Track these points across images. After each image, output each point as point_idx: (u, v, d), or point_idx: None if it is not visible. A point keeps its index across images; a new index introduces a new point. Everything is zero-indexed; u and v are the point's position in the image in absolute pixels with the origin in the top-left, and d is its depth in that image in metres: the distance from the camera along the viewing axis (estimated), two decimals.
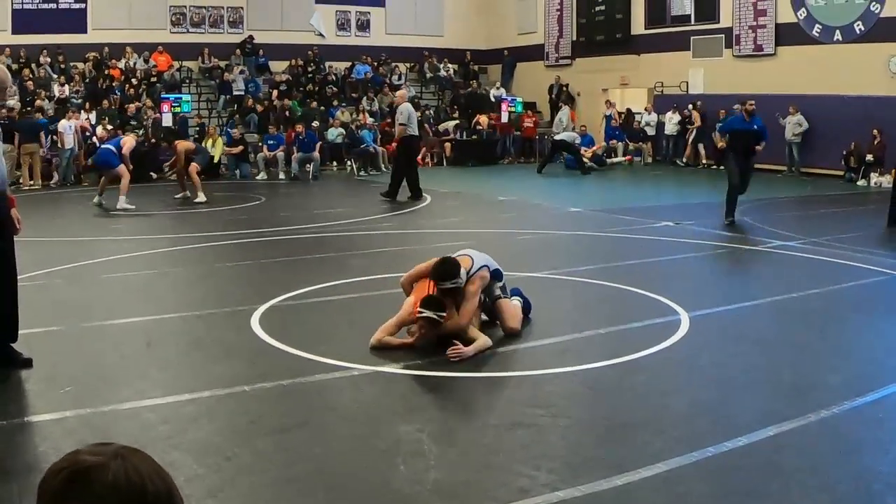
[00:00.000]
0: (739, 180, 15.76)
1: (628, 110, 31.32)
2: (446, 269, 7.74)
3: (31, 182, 22.72)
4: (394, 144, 19.40)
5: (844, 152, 23.75)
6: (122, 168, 18.06)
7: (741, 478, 5.06)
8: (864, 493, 4.90)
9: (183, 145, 20.37)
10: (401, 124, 19.57)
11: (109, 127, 25.01)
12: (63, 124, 23.39)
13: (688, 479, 5.04)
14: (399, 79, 33.77)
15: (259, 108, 28.89)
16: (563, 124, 29.89)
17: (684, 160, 28.97)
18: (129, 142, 18.92)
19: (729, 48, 27.89)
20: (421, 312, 7.41)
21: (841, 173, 23.97)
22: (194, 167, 19.42)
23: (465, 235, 14.64)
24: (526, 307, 8.67)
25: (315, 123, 27.53)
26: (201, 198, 18.89)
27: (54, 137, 23.68)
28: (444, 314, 7.50)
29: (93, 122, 25.63)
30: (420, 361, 7.28)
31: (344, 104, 30.76)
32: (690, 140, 28.95)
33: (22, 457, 5.31)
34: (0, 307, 7.11)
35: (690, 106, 29.01)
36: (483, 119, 30.54)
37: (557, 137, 27.83)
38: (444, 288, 7.69)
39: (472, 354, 7.39)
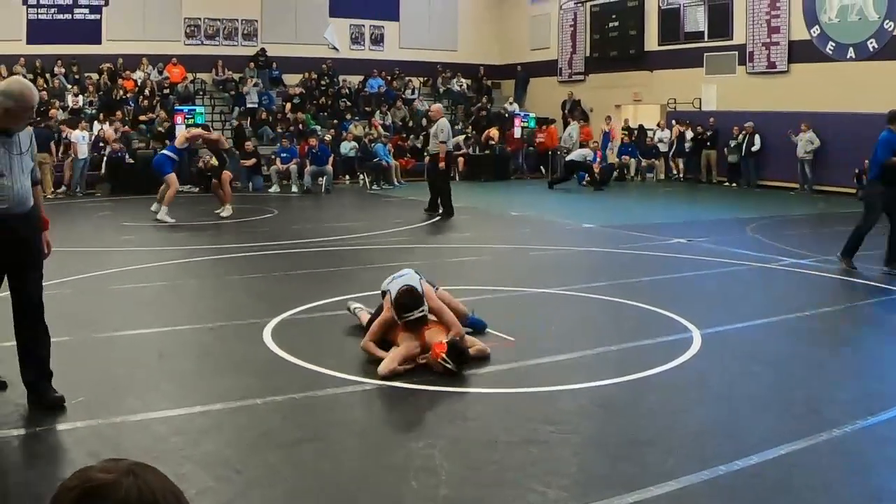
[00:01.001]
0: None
1: (640, 126, 31.32)
2: (411, 300, 7.71)
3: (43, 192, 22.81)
4: (441, 164, 19.16)
5: (857, 170, 23.70)
6: (171, 177, 17.98)
7: (752, 496, 5.05)
8: None
9: (214, 136, 20.09)
10: (441, 142, 19.40)
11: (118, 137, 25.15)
12: (76, 135, 23.48)
13: (699, 498, 5.04)
14: (412, 93, 33.89)
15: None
16: (572, 139, 29.89)
17: (676, 174, 29.49)
18: (181, 137, 18.96)
19: (742, 65, 27.89)
20: (446, 362, 7.35)
21: (853, 191, 23.91)
22: (227, 175, 19.26)
23: (478, 251, 14.66)
24: (479, 326, 8.80)
25: (327, 137, 27.56)
26: (228, 211, 18.69)
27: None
28: (463, 368, 7.47)
29: (106, 132, 25.73)
30: (431, 377, 7.27)
31: (357, 118, 30.83)
32: (672, 154, 29.81)
33: (33, 467, 5.32)
34: (35, 347, 6.58)
35: (674, 122, 29.59)
36: (493, 132, 30.45)
37: (569, 158, 27.67)
38: (411, 319, 7.65)
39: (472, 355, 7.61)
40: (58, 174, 23.75)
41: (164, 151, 18.74)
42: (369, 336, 7.83)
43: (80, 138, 23.44)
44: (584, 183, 27.18)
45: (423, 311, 7.69)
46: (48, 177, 23.14)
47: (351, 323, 9.04)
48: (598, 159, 28.41)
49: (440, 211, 19.24)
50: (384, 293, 8.29)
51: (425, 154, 21.98)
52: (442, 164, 19.22)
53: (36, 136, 20.90)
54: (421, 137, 30.34)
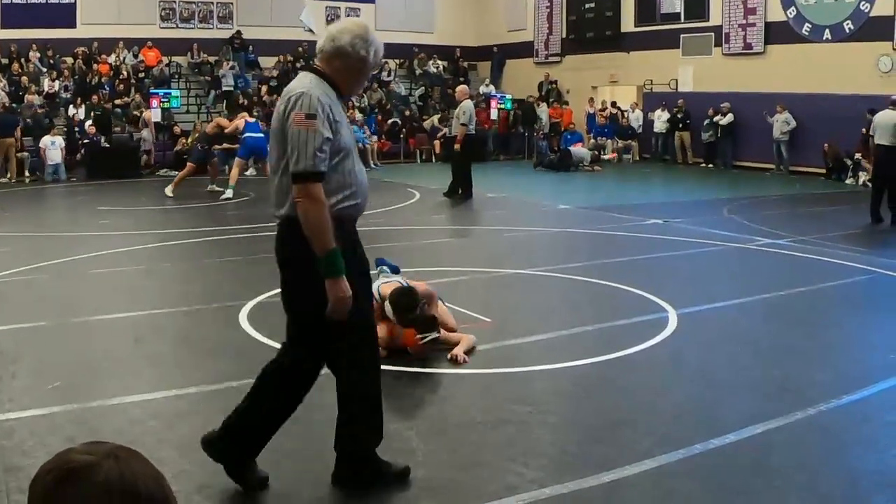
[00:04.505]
0: None
1: (618, 108, 31.31)
2: (411, 299, 7.44)
3: (10, 176, 22.59)
4: (457, 146, 19.21)
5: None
6: None
7: (728, 475, 5.08)
8: (851, 491, 4.92)
9: (219, 123, 20.71)
10: (462, 124, 19.32)
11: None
12: (46, 140, 23.10)
13: (675, 477, 5.06)
14: (389, 75, 33.79)
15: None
16: (541, 121, 29.98)
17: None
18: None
19: (718, 46, 27.92)
20: (423, 338, 7.31)
21: (825, 171, 24.05)
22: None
23: (453, 232, 14.67)
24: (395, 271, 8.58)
25: None
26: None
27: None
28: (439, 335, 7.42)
29: (81, 117, 25.57)
30: (407, 359, 7.28)
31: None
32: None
33: (9, 452, 5.30)
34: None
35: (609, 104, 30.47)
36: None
37: (573, 149, 27.73)
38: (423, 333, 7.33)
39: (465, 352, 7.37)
40: (34, 159, 23.59)
41: (260, 135, 19.68)
42: None
43: (49, 144, 23.08)
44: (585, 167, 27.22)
45: (422, 307, 7.44)
46: (13, 163, 22.88)
47: None
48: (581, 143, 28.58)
49: (460, 193, 19.22)
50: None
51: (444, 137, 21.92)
52: (457, 146, 19.21)
53: (1, 120, 21.00)
54: (399, 120, 30.34)
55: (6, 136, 22.68)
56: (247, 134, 19.68)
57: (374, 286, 7.97)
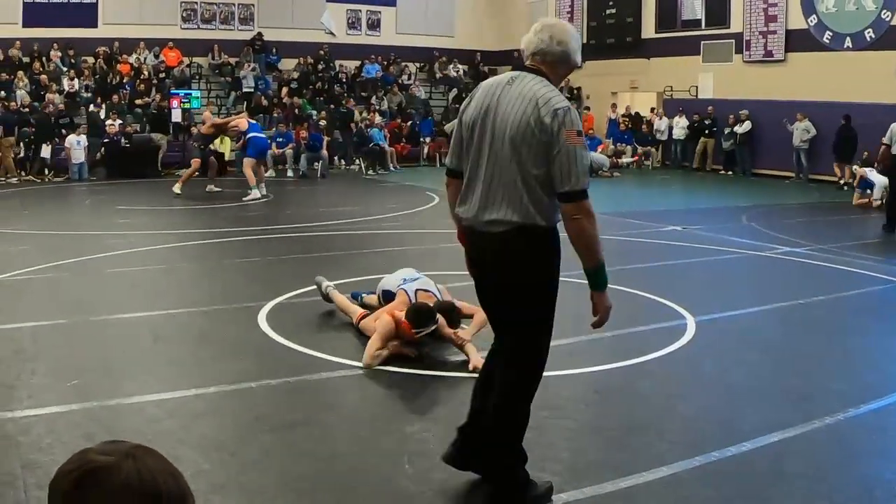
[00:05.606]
0: None
1: (636, 114, 31.28)
2: (423, 316, 7.38)
3: (9, 176, 22.67)
4: None
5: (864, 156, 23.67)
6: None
7: (744, 483, 5.07)
8: (867, 501, 4.91)
9: (211, 122, 20.90)
10: None
11: (119, 122, 25.00)
12: (71, 139, 23.21)
13: (691, 484, 5.05)
14: (409, 78, 33.82)
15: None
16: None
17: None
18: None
19: (739, 53, 27.88)
20: (420, 332, 7.34)
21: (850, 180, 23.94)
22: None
23: None
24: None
25: (322, 123, 27.51)
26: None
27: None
28: (437, 323, 7.44)
29: (102, 116, 25.66)
30: (426, 361, 7.29)
31: (354, 102, 30.78)
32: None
33: (27, 449, 5.33)
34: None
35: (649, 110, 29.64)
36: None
37: (592, 154, 27.75)
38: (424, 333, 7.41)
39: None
40: (57, 158, 23.65)
41: (263, 135, 20.83)
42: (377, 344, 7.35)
43: (74, 143, 23.20)
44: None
45: (435, 324, 7.46)
46: (7, 160, 22.88)
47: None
48: (602, 149, 28.60)
49: None
50: (386, 293, 8.32)
51: None
52: None
53: (7, 121, 21.16)
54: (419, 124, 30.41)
55: (8, 135, 22.68)
56: (252, 134, 19.77)
57: (412, 288, 8.05)
